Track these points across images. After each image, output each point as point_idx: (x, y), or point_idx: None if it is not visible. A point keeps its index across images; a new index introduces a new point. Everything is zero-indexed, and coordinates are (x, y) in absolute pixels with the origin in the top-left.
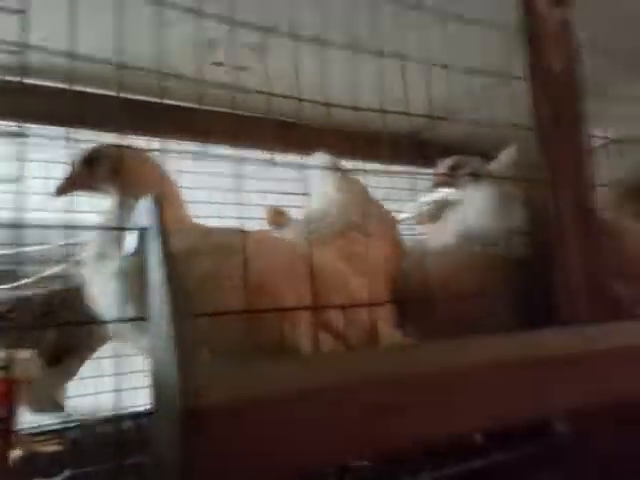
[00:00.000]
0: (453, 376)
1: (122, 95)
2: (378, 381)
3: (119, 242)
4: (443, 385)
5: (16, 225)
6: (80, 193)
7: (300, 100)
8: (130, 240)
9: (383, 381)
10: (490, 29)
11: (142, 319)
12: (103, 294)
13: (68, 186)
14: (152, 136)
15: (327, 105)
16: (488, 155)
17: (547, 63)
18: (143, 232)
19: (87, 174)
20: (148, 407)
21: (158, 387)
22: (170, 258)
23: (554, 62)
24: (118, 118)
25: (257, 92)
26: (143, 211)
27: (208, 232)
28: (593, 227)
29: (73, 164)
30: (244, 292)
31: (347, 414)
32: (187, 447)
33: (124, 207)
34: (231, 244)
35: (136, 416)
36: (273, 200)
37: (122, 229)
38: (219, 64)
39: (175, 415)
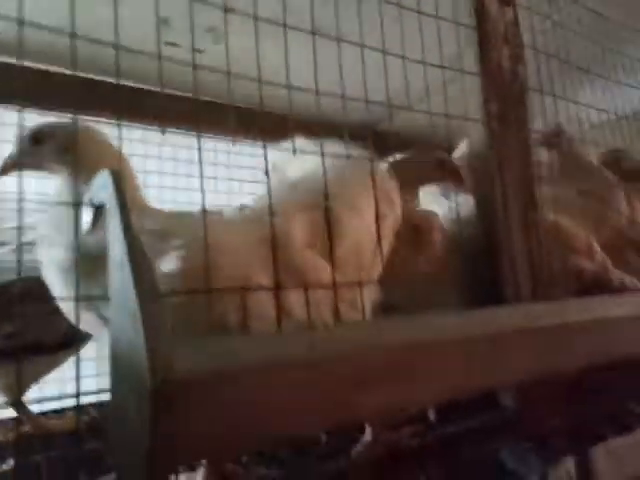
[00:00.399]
0: (413, 350)
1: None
2: (343, 356)
3: (71, 222)
4: (404, 359)
5: None
6: (28, 172)
7: (260, 82)
8: (86, 218)
9: (347, 356)
10: (445, 24)
11: (103, 298)
12: (58, 278)
13: (12, 165)
14: (107, 117)
15: (288, 87)
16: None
17: (497, 61)
18: (100, 208)
19: (34, 152)
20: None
21: (121, 366)
22: (132, 234)
23: (503, 60)
24: (71, 96)
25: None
26: (100, 186)
27: (170, 215)
28: (536, 217)
29: (18, 142)
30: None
31: (313, 387)
32: (158, 423)
33: (74, 187)
34: (195, 226)
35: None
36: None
37: (77, 205)
38: (173, 44)
39: (144, 392)
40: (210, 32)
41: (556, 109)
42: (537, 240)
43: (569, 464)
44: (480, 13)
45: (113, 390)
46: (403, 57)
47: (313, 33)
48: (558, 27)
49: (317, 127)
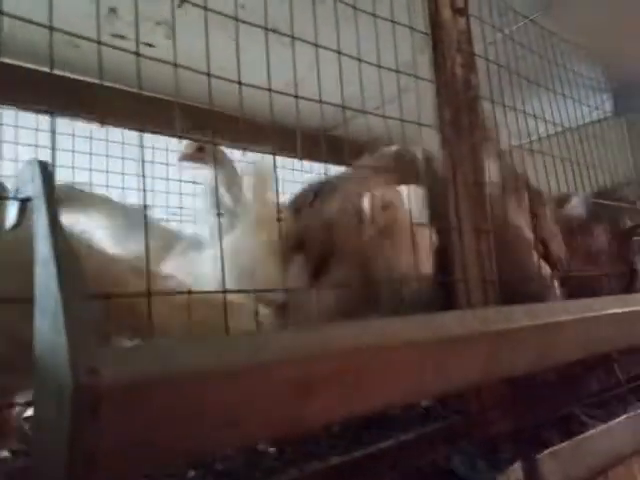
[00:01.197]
0: (362, 355)
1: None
2: (287, 360)
3: None
4: (353, 364)
5: None
6: None
7: (209, 75)
8: (11, 212)
9: (292, 360)
10: (401, 31)
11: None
12: None
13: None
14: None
15: (240, 84)
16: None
17: (450, 68)
18: (25, 202)
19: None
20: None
21: (42, 370)
22: (58, 229)
23: (456, 68)
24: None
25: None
26: (26, 179)
27: None
28: (487, 221)
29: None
30: None
31: (255, 394)
32: (79, 433)
33: None
34: None
35: None
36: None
37: (1, 198)
38: (120, 37)
39: (66, 396)
40: (160, 25)
41: (506, 120)
42: (488, 245)
43: (517, 469)
44: (434, 21)
45: (35, 397)
46: (359, 60)
47: (266, 29)
48: (509, 40)
49: (270, 129)
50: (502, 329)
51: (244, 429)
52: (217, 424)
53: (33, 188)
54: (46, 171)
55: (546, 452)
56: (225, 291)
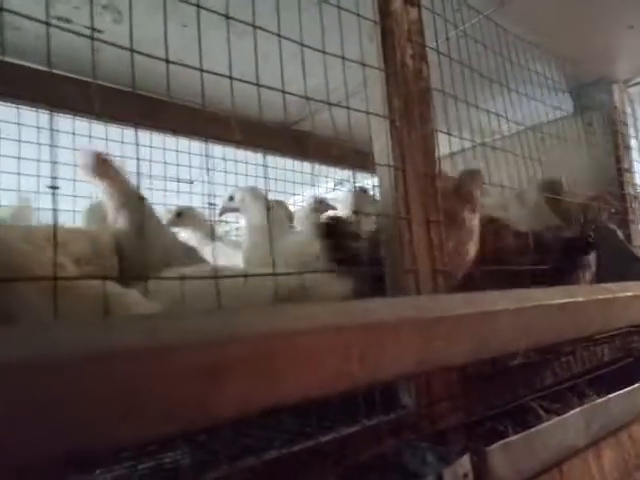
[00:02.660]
0: (276, 340)
1: None
2: (191, 344)
3: None
4: (265, 349)
5: None
6: None
7: (168, 62)
8: None
9: (197, 344)
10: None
11: None
12: None
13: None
14: None
15: (201, 70)
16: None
17: (401, 58)
18: None
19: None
20: None
21: None
22: None
23: (407, 58)
24: None
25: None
26: None
27: None
28: (437, 210)
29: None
30: None
31: (153, 381)
32: None
33: None
34: None
35: None
36: None
37: None
38: (66, 20)
39: None
40: (107, 9)
41: (468, 117)
42: (439, 236)
43: (465, 462)
44: (384, 10)
45: None
46: (324, 52)
47: (227, 17)
48: (464, 36)
49: (234, 122)
50: (436, 317)
51: (137, 415)
52: (105, 416)
53: None
54: None
55: (496, 444)
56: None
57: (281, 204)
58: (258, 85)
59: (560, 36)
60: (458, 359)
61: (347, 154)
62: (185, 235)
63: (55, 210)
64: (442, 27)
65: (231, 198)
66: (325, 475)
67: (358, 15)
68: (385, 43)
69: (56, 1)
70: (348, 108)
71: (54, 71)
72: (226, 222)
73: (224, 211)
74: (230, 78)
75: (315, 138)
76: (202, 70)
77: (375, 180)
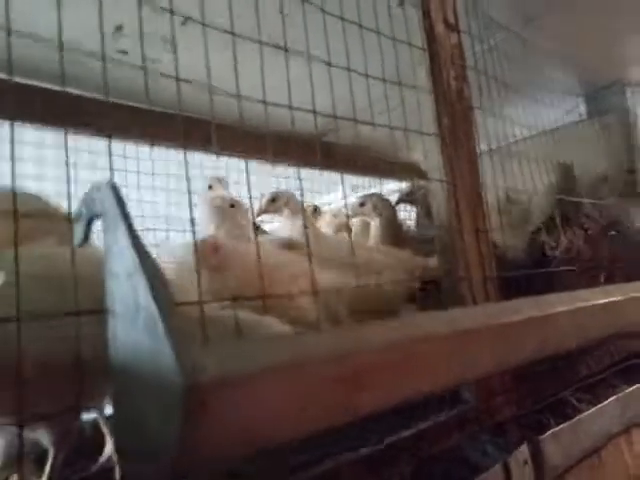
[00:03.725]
0: (399, 349)
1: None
2: (343, 356)
3: None
4: (394, 357)
5: None
6: None
7: (210, 87)
8: (78, 230)
9: (345, 356)
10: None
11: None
12: None
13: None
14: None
15: (237, 97)
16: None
17: (446, 80)
18: (92, 221)
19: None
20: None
21: (141, 376)
22: (141, 243)
23: (451, 80)
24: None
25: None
26: (96, 198)
27: None
28: (484, 225)
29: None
30: None
31: (320, 385)
32: (192, 426)
33: None
34: None
35: None
36: None
37: (70, 216)
38: (124, 52)
39: (173, 397)
40: (165, 42)
41: (485, 124)
42: (487, 244)
43: (524, 451)
44: (430, 35)
45: (121, 404)
46: (348, 69)
47: (260, 42)
48: (493, 50)
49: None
50: (508, 322)
51: (311, 415)
52: (293, 412)
53: (103, 207)
54: (116, 191)
55: (547, 434)
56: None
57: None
58: (290, 107)
59: (579, 44)
60: (525, 358)
61: (372, 163)
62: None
63: None
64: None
65: (273, 200)
66: (402, 467)
67: (410, 44)
68: (433, 66)
69: (122, 37)
70: (405, 129)
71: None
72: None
73: (264, 212)
74: (264, 102)
75: (342, 149)
76: (238, 96)
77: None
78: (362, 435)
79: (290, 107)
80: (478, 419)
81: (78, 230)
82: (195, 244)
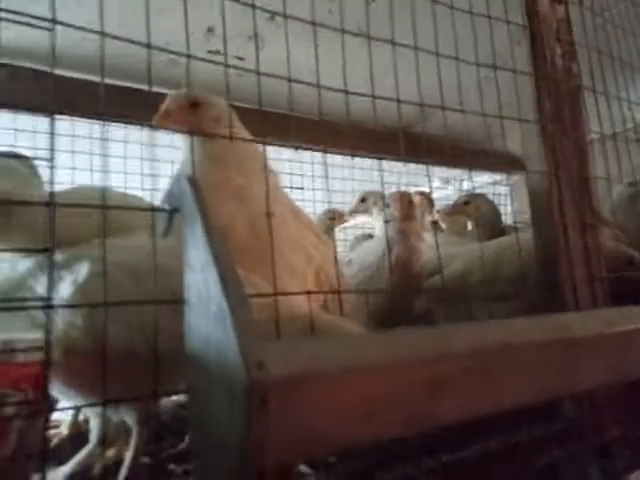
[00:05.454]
0: (489, 354)
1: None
2: (424, 359)
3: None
4: (481, 362)
5: None
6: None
7: (289, 81)
8: (161, 222)
9: (427, 359)
10: (496, 22)
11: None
12: None
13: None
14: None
15: (317, 86)
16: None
17: (551, 60)
18: (174, 213)
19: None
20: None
21: (205, 368)
22: (215, 237)
23: (556, 58)
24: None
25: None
26: (177, 191)
27: None
28: (593, 219)
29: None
30: None
31: (392, 391)
32: (252, 422)
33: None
34: None
35: None
36: None
37: (153, 210)
38: (216, 52)
39: (238, 390)
40: (252, 40)
41: (609, 108)
42: (595, 244)
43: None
44: (531, 12)
45: (194, 393)
46: (437, 54)
47: (342, 31)
48: (609, 24)
49: (349, 130)
50: (626, 330)
51: (382, 419)
52: (360, 416)
53: (183, 201)
54: (195, 185)
55: None
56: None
57: None
58: (373, 97)
59: None
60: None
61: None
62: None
63: None
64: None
65: (363, 200)
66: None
67: (508, 22)
68: (534, 46)
69: (213, 37)
70: (501, 117)
71: None
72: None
73: (355, 212)
74: (345, 92)
75: (428, 139)
76: (319, 86)
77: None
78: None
79: (373, 96)
80: (581, 436)
81: (161, 223)
82: None
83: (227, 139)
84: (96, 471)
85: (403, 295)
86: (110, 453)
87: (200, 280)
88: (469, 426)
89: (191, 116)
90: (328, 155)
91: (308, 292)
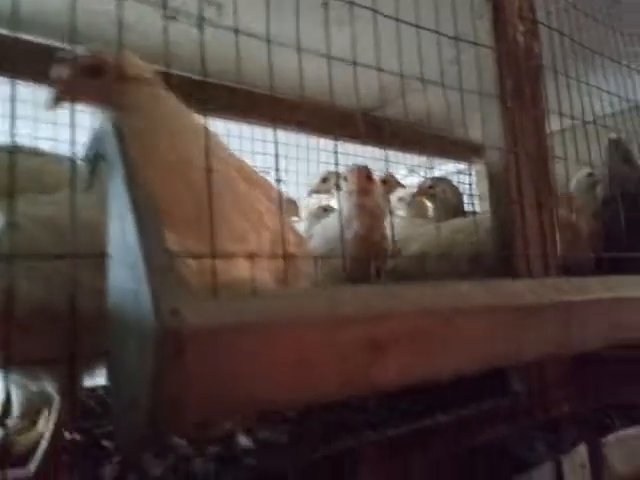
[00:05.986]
0: (435, 317)
1: None
2: (366, 316)
3: None
4: (426, 325)
5: None
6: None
7: (268, 42)
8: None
9: (370, 317)
10: None
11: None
12: None
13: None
14: None
15: (298, 49)
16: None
17: (512, 36)
18: (97, 161)
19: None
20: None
21: (124, 318)
22: (137, 185)
23: (518, 36)
24: None
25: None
26: (100, 139)
27: None
28: (549, 196)
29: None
30: None
31: (329, 348)
32: (167, 374)
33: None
34: None
35: None
36: None
37: (73, 160)
38: (172, 18)
39: (149, 339)
40: (213, 5)
41: (569, 93)
42: (550, 219)
43: (582, 452)
44: None
45: (112, 351)
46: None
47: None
48: (571, 8)
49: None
50: (576, 300)
51: (317, 379)
52: (292, 372)
53: (106, 149)
54: (119, 132)
55: (611, 437)
56: None
57: None
58: (354, 64)
59: None
60: (592, 344)
61: (424, 140)
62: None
63: None
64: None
65: (324, 180)
66: (441, 453)
67: None
68: (497, 20)
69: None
70: (461, 89)
71: None
72: None
73: (316, 192)
74: (327, 57)
75: (391, 123)
76: (299, 49)
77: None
78: (392, 414)
79: (354, 63)
80: (530, 412)
81: (85, 174)
82: None
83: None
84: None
85: (364, 267)
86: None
87: (119, 230)
88: (417, 399)
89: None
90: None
91: (251, 255)
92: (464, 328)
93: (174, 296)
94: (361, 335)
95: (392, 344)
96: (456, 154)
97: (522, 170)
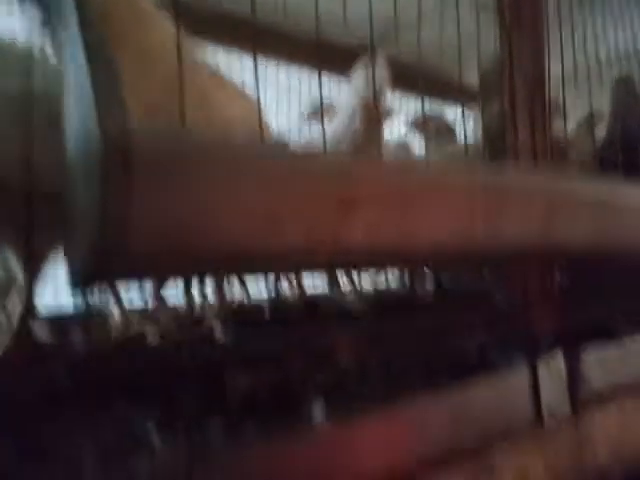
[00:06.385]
0: (409, 183)
1: None
2: (340, 172)
3: None
4: (400, 187)
5: None
6: None
7: None
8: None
9: (330, 173)
10: None
11: None
12: None
13: None
14: None
15: None
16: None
17: None
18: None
19: None
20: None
21: (76, 149)
22: (90, 28)
23: None
24: None
25: None
26: None
27: None
28: (544, 117)
29: None
30: None
31: (302, 197)
32: (113, 194)
33: None
34: None
35: None
36: None
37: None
38: None
39: (95, 158)
40: None
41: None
42: (543, 144)
43: (558, 358)
44: None
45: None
46: None
47: None
48: None
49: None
50: (562, 188)
51: (284, 229)
52: (255, 217)
53: None
54: None
55: (591, 352)
56: None
57: None
58: None
59: None
60: (576, 244)
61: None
62: None
63: None
64: None
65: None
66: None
67: None
68: None
69: None
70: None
71: None
72: None
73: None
74: None
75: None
76: None
77: None
78: None
79: None
80: (510, 324)
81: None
82: None
83: None
84: None
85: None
86: None
87: (74, 74)
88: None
89: None
90: None
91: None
92: (442, 200)
93: (122, 112)
94: (331, 194)
95: (361, 204)
96: (451, 94)
97: (517, 90)
